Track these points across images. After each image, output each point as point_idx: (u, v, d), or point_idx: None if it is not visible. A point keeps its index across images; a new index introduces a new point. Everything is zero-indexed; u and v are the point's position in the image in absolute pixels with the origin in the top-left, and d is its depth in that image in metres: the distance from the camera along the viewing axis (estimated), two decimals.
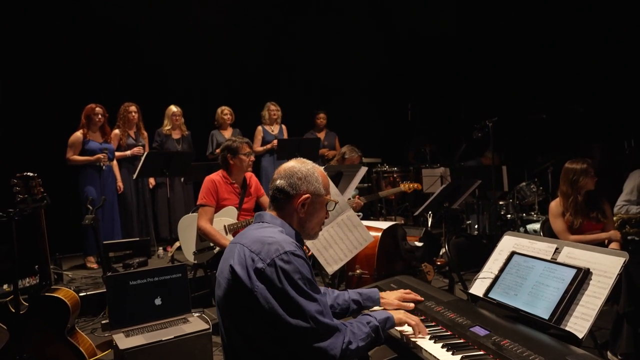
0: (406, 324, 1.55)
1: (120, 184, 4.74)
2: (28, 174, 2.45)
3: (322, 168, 1.61)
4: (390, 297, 1.79)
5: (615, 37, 5.88)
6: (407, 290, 1.84)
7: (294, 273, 1.33)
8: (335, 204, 1.64)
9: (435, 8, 7.07)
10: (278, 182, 1.53)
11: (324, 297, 1.40)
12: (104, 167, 4.42)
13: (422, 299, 1.81)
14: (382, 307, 1.76)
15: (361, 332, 1.42)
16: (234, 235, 3.28)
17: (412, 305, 1.76)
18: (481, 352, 1.41)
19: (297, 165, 1.56)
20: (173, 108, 5.23)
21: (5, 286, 3.31)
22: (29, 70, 4.92)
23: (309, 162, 1.60)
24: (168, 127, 5.20)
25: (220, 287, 1.44)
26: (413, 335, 1.53)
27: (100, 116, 4.44)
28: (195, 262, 3.34)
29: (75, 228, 4.43)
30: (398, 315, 1.56)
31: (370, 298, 1.77)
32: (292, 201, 1.51)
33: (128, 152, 4.83)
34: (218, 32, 6.27)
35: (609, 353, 2.68)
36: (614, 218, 3.59)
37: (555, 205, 3.27)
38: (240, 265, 1.37)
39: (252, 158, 3.37)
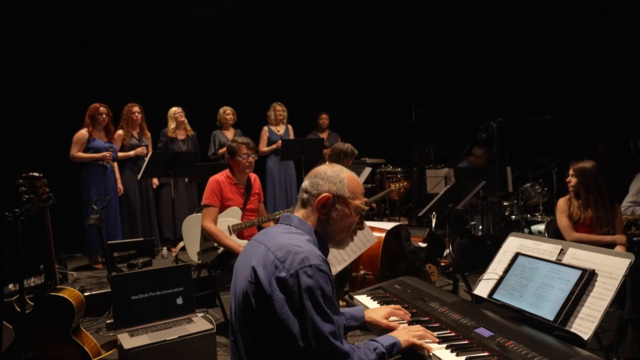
0: (413, 344, 1.49)
1: (120, 185, 4.75)
2: (34, 174, 2.46)
3: (353, 173, 1.56)
4: (378, 315, 1.69)
5: (619, 38, 5.86)
6: (397, 307, 1.76)
7: (316, 289, 1.29)
8: (366, 211, 1.57)
9: (437, 9, 7.07)
10: (304, 182, 1.54)
11: (341, 318, 1.36)
12: (108, 165, 4.44)
13: (410, 316, 1.72)
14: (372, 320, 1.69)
15: (367, 359, 1.38)
16: (238, 236, 3.29)
17: (400, 326, 1.66)
18: (486, 354, 1.40)
19: (325, 167, 1.55)
20: (174, 108, 5.27)
21: (10, 286, 3.33)
22: (34, 71, 4.95)
23: (339, 166, 1.56)
24: (173, 128, 5.22)
25: (239, 285, 1.41)
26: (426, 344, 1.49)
27: (104, 116, 4.46)
28: (200, 262, 3.34)
29: (80, 228, 4.45)
30: (404, 338, 1.49)
31: (354, 317, 1.71)
32: (313, 201, 1.49)
33: (131, 153, 4.85)
34: (220, 33, 6.30)
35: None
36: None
37: (562, 202, 3.29)
38: (264, 269, 1.33)
39: (251, 159, 3.33)
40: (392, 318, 1.71)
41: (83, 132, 4.38)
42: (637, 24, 5.67)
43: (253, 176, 3.49)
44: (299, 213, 1.53)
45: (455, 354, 1.42)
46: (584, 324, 1.43)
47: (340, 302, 3.00)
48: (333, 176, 1.51)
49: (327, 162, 1.62)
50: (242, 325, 1.39)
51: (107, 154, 4.39)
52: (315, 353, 1.28)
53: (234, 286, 1.46)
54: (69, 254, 4.83)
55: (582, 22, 6.10)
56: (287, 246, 1.35)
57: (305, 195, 1.51)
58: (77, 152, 4.35)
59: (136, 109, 4.93)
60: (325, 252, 1.49)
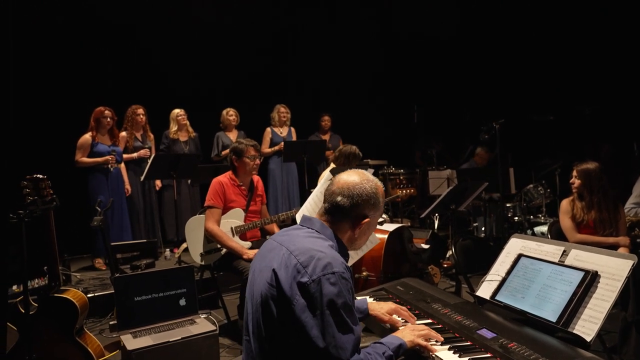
0: (418, 345, 1.48)
1: (128, 186, 4.77)
2: (38, 176, 2.48)
3: (381, 183, 1.54)
4: (382, 309, 1.70)
5: (622, 37, 5.85)
6: (403, 308, 1.75)
7: (338, 298, 1.27)
8: (384, 221, 1.61)
9: (439, 9, 7.07)
10: (339, 198, 1.46)
11: (359, 328, 1.35)
12: (111, 169, 4.46)
13: (415, 319, 1.71)
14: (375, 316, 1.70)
15: None
16: (241, 237, 3.30)
17: (400, 322, 1.66)
18: (488, 355, 1.41)
19: (361, 182, 1.48)
20: (176, 110, 5.28)
21: (14, 287, 3.35)
22: (37, 73, 4.97)
23: (371, 176, 1.52)
24: (174, 129, 5.24)
25: (257, 285, 1.39)
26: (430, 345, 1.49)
27: (109, 119, 4.48)
28: (202, 263, 3.35)
29: (83, 230, 4.46)
30: (409, 338, 1.48)
31: (358, 309, 1.70)
32: (350, 222, 1.47)
33: (135, 155, 4.87)
34: (222, 34, 6.31)
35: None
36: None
37: (566, 203, 3.29)
38: (285, 273, 1.32)
39: (258, 162, 3.34)
40: (395, 317, 1.71)
41: (86, 137, 4.40)
42: (639, 24, 5.65)
43: (256, 178, 3.50)
44: (325, 221, 1.49)
45: (457, 355, 1.42)
46: (587, 326, 1.43)
47: None
48: (373, 197, 1.47)
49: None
50: (258, 326, 1.37)
51: (109, 157, 4.42)
52: None
53: (251, 286, 1.45)
54: (73, 255, 4.84)
55: (583, 22, 6.09)
56: (309, 251, 1.34)
57: (339, 213, 1.46)
58: (81, 157, 4.37)
59: (140, 110, 4.94)
60: (346, 259, 1.46)
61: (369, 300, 1.94)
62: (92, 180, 4.44)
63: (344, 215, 1.47)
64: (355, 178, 1.49)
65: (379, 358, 1.38)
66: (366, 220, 1.47)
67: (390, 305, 1.74)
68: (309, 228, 1.48)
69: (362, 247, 2.71)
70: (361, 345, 1.40)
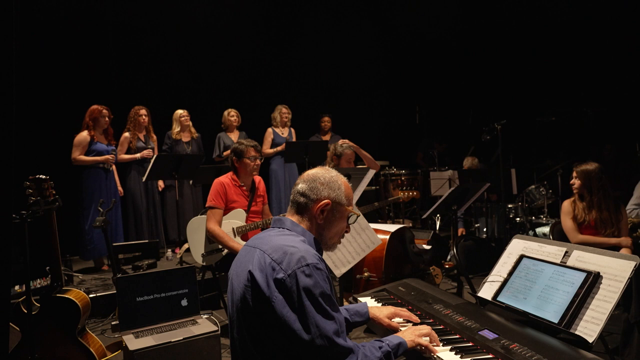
0: (419, 345, 1.48)
1: (120, 188, 4.78)
2: (40, 176, 2.49)
3: (346, 179, 1.58)
4: (382, 313, 1.70)
5: (625, 39, 5.84)
6: (403, 309, 1.75)
7: (315, 288, 1.30)
8: (357, 216, 1.59)
9: (441, 10, 7.08)
10: (300, 185, 1.53)
11: (341, 315, 1.36)
12: (110, 168, 4.47)
13: (418, 320, 1.70)
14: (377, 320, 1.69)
15: (373, 356, 1.37)
16: (242, 238, 3.30)
17: (400, 327, 1.65)
18: (490, 356, 1.40)
19: (321, 172, 1.55)
20: (180, 111, 5.29)
21: (17, 287, 3.35)
22: (40, 73, 4.98)
23: (334, 170, 1.58)
24: (177, 130, 5.25)
25: (235, 291, 1.41)
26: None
27: (107, 118, 4.49)
28: (204, 264, 3.35)
29: (79, 230, 4.45)
30: (410, 338, 1.49)
31: (359, 313, 1.71)
32: (312, 206, 1.49)
33: (138, 155, 4.87)
34: (224, 35, 6.33)
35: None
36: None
37: (567, 204, 3.29)
38: (261, 272, 1.33)
39: (258, 162, 3.35)
40: (396, 319, 1.72)
41: (84, 135, 4.38)
42: None
43: (257, 178, 3.50)
44: (293, 217, 1.53)
45: (459, 356, 1.42)
46: (589, 327, 1.43)
47: (345, 304, 3.00)
48: (332, 182, 1.51)
49: (320, 167, 1.60)
50: (241, 331, 1.38)
51: (109, 157, 4.42)
52: (319, 351, 1.28)
53: (230, 293, 1.47)
54: (74, 255, 4.85)
55: (586, 23, 6.09)
56: (282, 247, 1.36)
57: (302, 199, 1.50)
58: (79, 155, 4.36)
59: (143, 111, 4.95)
60: (320, 252, 1.49)
61: (370, 303, 1.94)
62: (89, 179, 4.42)
63: (305, 200, 1.50)
64: (317, 169, 1.56)
65: (374, 350, 1.38)
66: (326, 201, 1.48)
67: (390, 309, 1.74)
68: (279, 228, 1.51)
69: (364, 248, 2.72)
70: (361, 344, 1.41)
